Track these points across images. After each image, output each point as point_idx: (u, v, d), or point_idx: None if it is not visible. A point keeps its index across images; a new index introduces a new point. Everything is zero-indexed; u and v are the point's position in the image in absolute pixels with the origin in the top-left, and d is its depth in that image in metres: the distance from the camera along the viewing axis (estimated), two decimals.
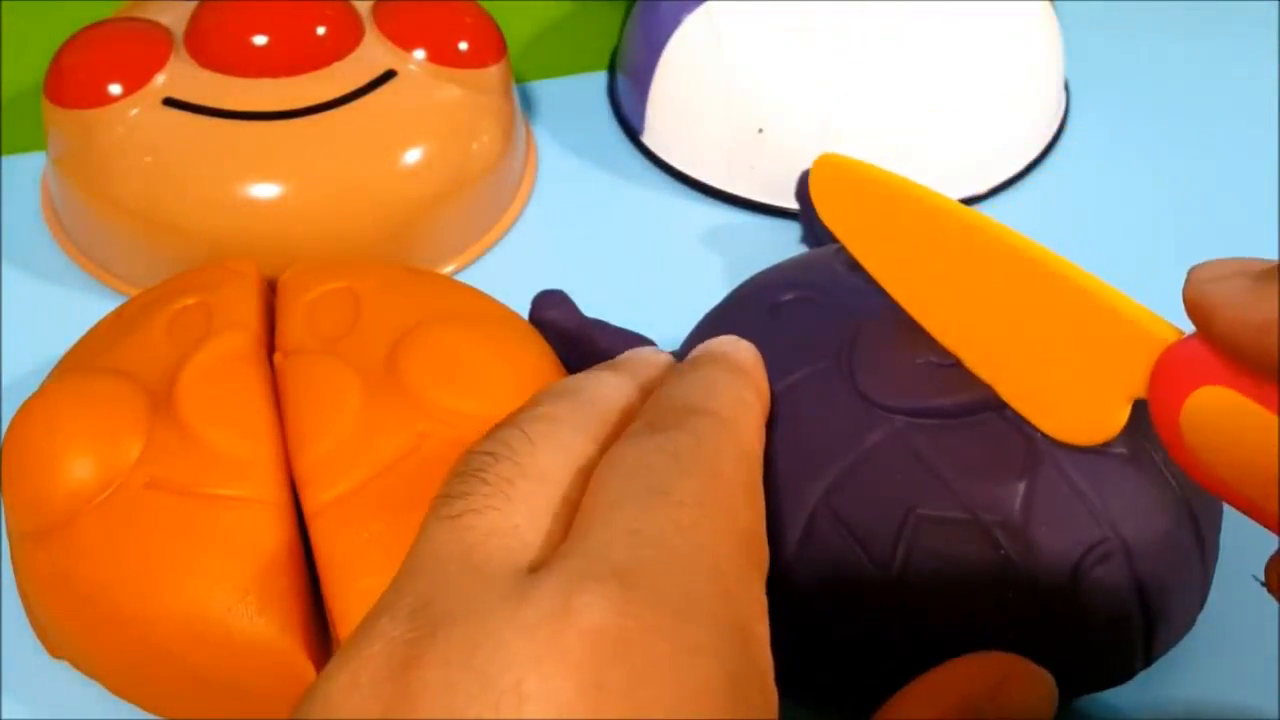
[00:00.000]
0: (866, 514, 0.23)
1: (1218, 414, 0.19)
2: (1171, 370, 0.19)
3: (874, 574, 0.23)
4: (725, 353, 0.25)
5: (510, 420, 0.22)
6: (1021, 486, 0.23)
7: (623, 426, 0.22)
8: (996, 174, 0.38)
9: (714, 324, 0.28)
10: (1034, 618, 0.22)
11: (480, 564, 0.18)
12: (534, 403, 0.22)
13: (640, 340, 0.28)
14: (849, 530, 0.23)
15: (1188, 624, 0.25)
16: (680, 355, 0.26)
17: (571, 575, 0.17)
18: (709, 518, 0.19)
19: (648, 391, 0.23)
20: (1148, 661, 0.24)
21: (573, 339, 0.30)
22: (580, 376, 0.24)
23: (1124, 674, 0.24)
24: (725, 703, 0.17)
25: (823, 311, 0.26)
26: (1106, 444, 0.23)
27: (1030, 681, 0.20)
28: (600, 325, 0.30)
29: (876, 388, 0.24)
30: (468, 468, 0.20)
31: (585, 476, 0.20)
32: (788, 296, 0.27)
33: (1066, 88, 0.42)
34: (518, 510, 0.19)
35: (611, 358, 0.26)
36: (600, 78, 0.43)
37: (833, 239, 0.26)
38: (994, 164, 0.38)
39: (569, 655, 0.16)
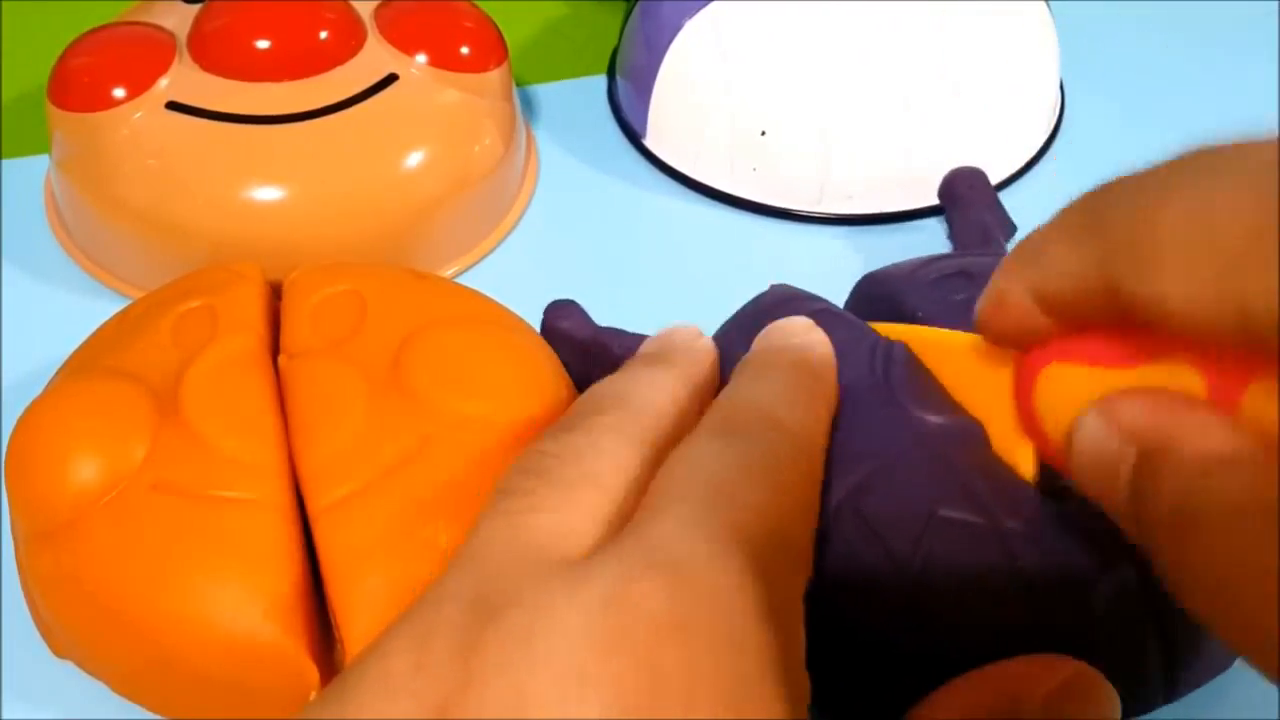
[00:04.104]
0: (890, 513, 0.23)
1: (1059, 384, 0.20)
2: (1022, 370, 0.20)
3: (891, 573, 0.22)
4: (803, 354, 0.24)
5: (571, 424, 0.22)
6: (1047, 499, 0.22)
7: (678, 432, 0.22)
8: (992, 174, 0.38)
9: (741, 329, 0.27)
10: (1044, 633, 0.22)
11: (539, 557, 0.19)
12: (590, 407, 0.22)
13: None
14: (871, 528, 0.23)
15: (1222, 663, 0.24)
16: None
17: (632, 561, 0.18)
18: (766, 527, 0.20)
19: (697, 389, 0.24)
20: (1170, 696, 0.24)
21: (586, 348, 0.30)
22: (629, 379, 0.24)
23: (1141, 707, 0.24)
24: (771, 690, 0.18)
25: (850, 322, 0.26)
26: None
27: (1091, 694, 0.20)
28: (614, 333, 0.30)
29: (913, 394, 0.24)
30: (532, 465, 0.21)
31: (640, 488, 0.20)
32: (816, 307, 0.27)
33: (1061, 88, 0.42)
34: (579, 514, 0.20)
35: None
36: (600, 81, 0.43)
37: (973, 241, 0.27)
38: (990, 164, 0.38)
39: (628, 638, 0.17)
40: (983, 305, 0.20)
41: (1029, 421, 0.20)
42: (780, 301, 0.27)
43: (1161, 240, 0.16)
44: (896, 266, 0.29)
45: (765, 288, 0.29)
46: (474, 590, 0.18)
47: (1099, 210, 0.18)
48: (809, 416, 0.23)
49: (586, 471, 0.20)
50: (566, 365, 0.29)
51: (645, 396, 0.23)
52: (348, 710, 0.17)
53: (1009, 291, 0.20)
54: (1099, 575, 0.22)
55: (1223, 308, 0.15)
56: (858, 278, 0.30)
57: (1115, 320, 0.18)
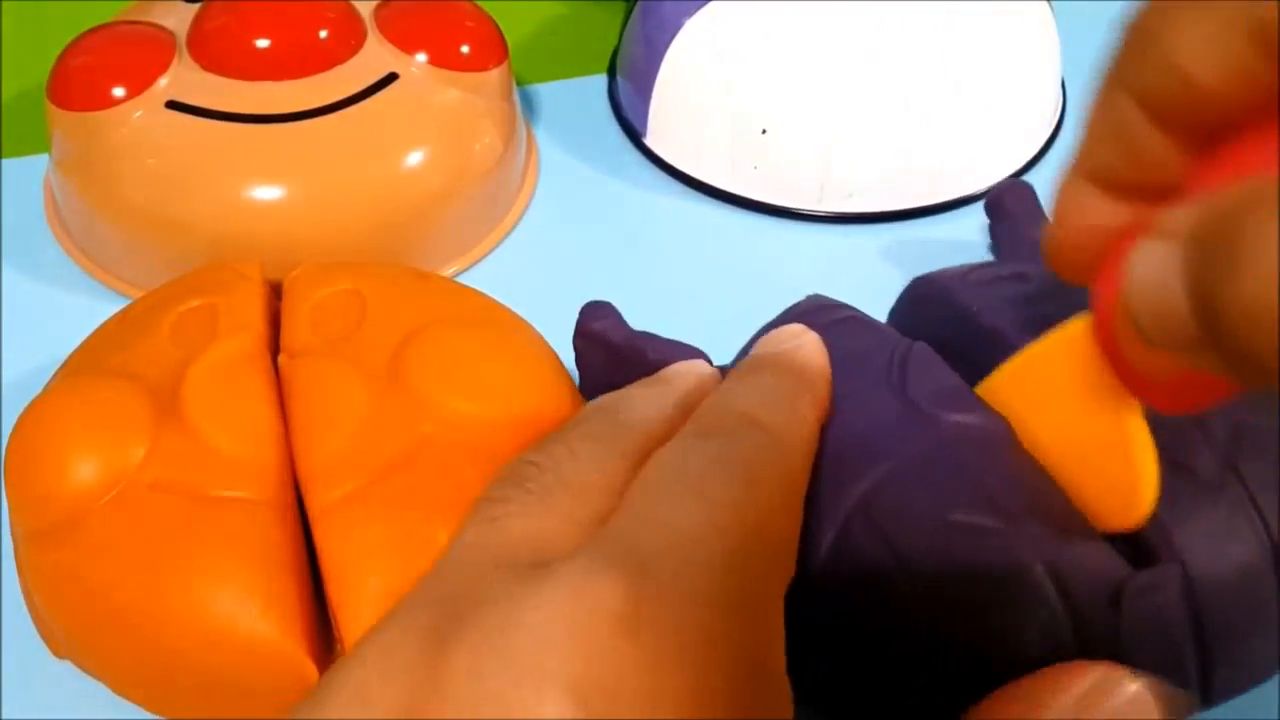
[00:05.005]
0: (904, 518, 0.22)
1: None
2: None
3: (905, 580, 0.22)
4: (789, 356, 0.24)
5: (557, 435, 0.22)
6: (1069, 500, 0.22)
7: (662, 445, 0.22)
8: (994, 173, 0.38)
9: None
10: (1068, 639, 0.21)
11: (512, 561, 0.19)
12: (580, 419, 0.23)
13: (692, 352, 0.27)
14: (884, 534, 0.22)
15: (1264, 670, 0.23)
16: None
17: (595, 560, 0.18)
18: (741, 524, 0.19)
19: (688, 406, 0.23)
20: (1207, 703, 0.23)
21: (620, 351, 0.30)
22: (622, 395, 0.24)
23: None
24: (740, 689, 0.17)
25: (876, 328, 0.26)
26: (1194, 469, 0.22)
27: (1128, 695, 0.19)
28: (649, 337, 0.29)
29: (927, 397, 0.24)
30: (512, 475, 0.21)
31: (619, 498, 0.20)
32: (842, 315, 0.27)
33: (1063, 88, 0.42)
34: (555, 519, 0.20)
35: (660, 369, 0.26)
36: (600, 81, 0.43)
37: (1022, 256, 0.27)
38: (991, 163, 0.38)
39: (589, 635, 0.17)
40: (1048, 231, 0.20)
41: (1111, 343, 0.19)
42: (809, 310, 0.27)
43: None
44: (949, 269, 0.29)
45: (766, 286, 0.29)
46: (445, 594, 0.18)
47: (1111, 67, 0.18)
48: (791, 416, 0.23)
49: (564, 478, 0.21)
50: (597, 367, 0.29)
51: (634, 410, 0.23)
52: (321, 716, 0.17)
53: (1066, 191, 0.19)
54: (1131, 579, 0.21)
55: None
56: (859, 276, 0.30)
57: (1172, 132, 0.17)
